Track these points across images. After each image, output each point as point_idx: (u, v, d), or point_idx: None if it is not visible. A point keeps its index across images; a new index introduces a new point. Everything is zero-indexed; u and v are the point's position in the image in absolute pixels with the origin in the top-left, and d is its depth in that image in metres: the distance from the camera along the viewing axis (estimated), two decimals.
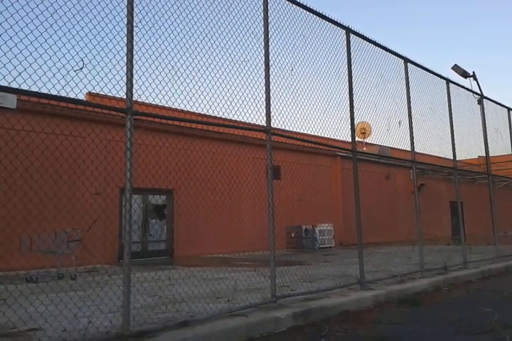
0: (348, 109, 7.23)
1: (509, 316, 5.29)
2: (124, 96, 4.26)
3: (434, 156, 10.28)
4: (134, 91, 4.28)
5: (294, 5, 6.45)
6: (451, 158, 10.20)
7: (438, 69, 9.86)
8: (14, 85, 3.65)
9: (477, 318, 5.23)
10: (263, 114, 5.70)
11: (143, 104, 5.09)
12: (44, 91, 3.80)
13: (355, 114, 7.28)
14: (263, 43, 5.83)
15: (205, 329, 4.23)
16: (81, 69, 4.12)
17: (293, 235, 16.86)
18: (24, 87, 3.70)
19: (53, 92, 3.87)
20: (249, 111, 5.70)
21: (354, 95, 7.30)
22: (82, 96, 4.41)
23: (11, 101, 7.53)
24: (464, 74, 12.01)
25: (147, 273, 8.44)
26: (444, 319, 5.26)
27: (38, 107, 10.44)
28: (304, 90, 6.67)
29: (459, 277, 8.40)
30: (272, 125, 5.70)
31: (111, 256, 12.12)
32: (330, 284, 6.77)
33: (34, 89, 3.74)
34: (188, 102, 5.07)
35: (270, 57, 5.82)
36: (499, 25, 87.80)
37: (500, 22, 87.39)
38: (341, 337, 4.54)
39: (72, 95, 4.04)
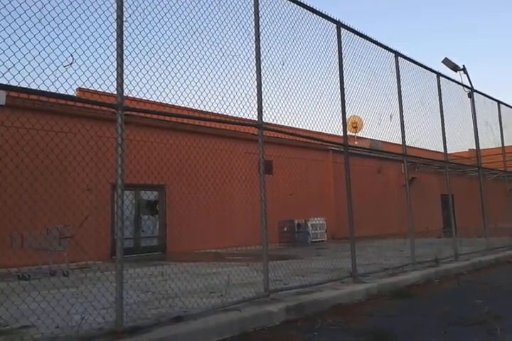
0: (340, 103, 7.23)
1: (500, 307, 5.35)
2: (115, 92, 4.23)
3: (425, 150, 10.33)
4: (124, 86, 4.25)
5: None
6: (442, 151, 10.26)
7: (428, 62, 9.90)
8: (3, 81, 3.62)
9: (468, 310, 5.29)
10: (255, 109, 5.69)
11: (134, 99, 5.06)
12: (33, 87, 3.76)
13: (347, 108, 7.29)
14: (254, 37, 5.81)
15: (198, 324, 4.24)
16: (70, 64, 4.08)
17: (285, 229, 16.90)
18: (13, 83, 3.67)
19: (43, 88, 3.84)
20: (241, 106, 5.69)
21: (345, 89, 7.31)
22: (72, 92, 4.37)
23: None
24: (455, 68, 12.06)
25: (140, 268, 8.45)
26: (435, 311, 5.31)
27: (28, 103, 10.34)
28: (296, 84, 6.67)
29: (450, 269, 8.48)
30: (263, 120, 5.69)
31: (103, 252, 12.08)
32: (322, 278, 6.80)
33: (23, 85, 3.71)
34: (179, 97, 5.05)
35: (261, 52, 5.80)
36: (495, 19, 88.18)
37: (495, 14, 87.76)
38: (334, 330, 4.57)
39: (61, 91, 4.01)
